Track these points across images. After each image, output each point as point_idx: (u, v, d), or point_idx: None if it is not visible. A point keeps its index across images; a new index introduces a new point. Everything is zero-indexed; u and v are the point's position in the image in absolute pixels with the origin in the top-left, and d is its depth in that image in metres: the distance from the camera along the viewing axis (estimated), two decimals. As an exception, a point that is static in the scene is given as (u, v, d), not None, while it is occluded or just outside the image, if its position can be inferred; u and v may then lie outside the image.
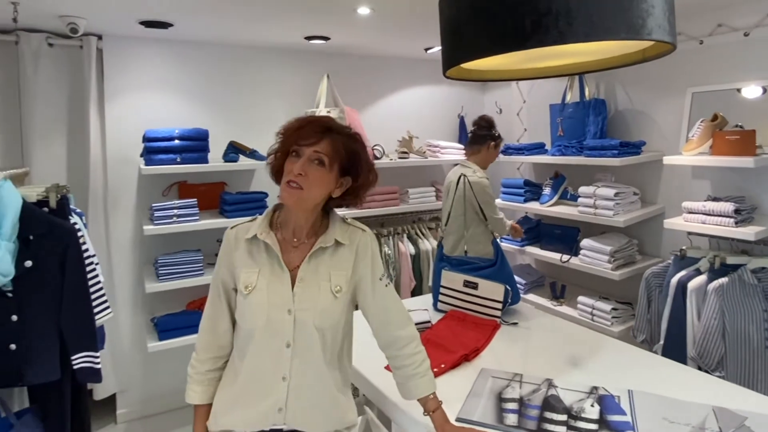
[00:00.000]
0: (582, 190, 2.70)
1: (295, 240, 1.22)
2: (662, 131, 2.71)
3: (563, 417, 1.25)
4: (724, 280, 2.01)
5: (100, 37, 2.65)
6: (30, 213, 1.65)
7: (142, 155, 2.67)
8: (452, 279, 2.00)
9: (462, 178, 2.62)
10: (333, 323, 1.20)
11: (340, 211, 1.32)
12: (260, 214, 1.27)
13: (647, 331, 2.34)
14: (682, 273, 2.17)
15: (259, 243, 1.20)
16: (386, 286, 1.27)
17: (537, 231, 3.12)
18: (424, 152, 3.45)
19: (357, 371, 1.52)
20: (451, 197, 2.72)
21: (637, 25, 1.08)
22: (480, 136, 2.79)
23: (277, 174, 1.22)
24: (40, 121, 2.56)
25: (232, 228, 1.25)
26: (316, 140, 1.15)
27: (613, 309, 2.57)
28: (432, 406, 1.21)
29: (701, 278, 2.10)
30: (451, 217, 2.68)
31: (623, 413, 1.27)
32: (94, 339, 1.75)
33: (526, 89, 3.55)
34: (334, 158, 1.16)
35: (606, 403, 1.31)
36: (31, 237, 1.65)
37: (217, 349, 1.25)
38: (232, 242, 1.23)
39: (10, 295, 1.62)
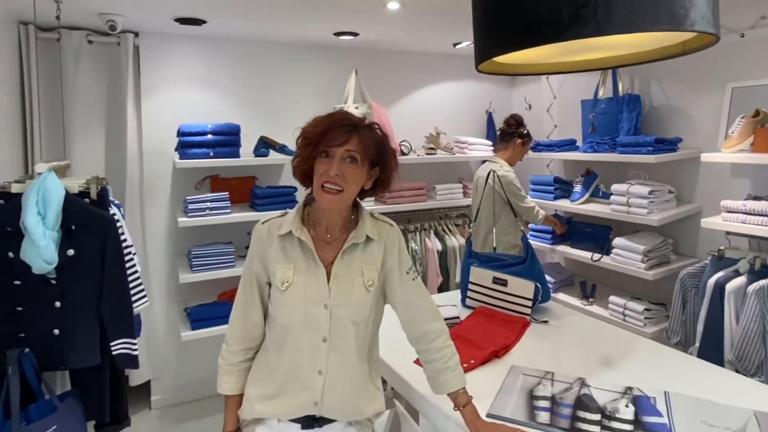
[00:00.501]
0: (615, 187, 2.64)
1: (328, 236, 1.23)
2: (700, 128, 2.62)
3: (597, 416, 1.23)
4: (765, 282, 1.93)
5: (136, 35, 2.73)
6: (72, 204, 1.71)
7: (176, 149, 2.74)
8: (481, 275, 1.98)
9: (491, 173, 2.64)
10: (366, 316, 1.22)
11: (368, 206, 1.33)
12: (290, 208, 1.28)
13: (682, 332, 2.28)
14: (720, 274, 2.10)
15: (293, 239, 1.21)
16: (413, 279, 1.28)
17: (567, 229, 3.07)
18: (452, 148, 3.43)
19: (386, 364, 1.53)
20: (480, 193, 2.72)
21: (679, 15, 1.05)
22: (508, 134, 2.87)
23: (304, 176, 1.22)
24: (81, 115, 2.65)
25: (263, 223, 1.25)
26: (346, 139, 1.15)
27: (645, 309, 2.51)
28: (462, 401, 1.21)
29: (740, 280, 2.03)
30: (480, 212, 2.68)
31: (659, 415, 1.24)
32: (131, 326, 1.81)
33: (556, 84, 3.49)
34: (365, 154, 1.18)
35: (641, 403, 1.29)
36: (73, 227, 1.71)
37: (247, 341, 1.26)
38: (264, 237, 1.23)
39: (53, 282, 1.68)
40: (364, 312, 1.21)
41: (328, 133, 1.15)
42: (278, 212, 1.27)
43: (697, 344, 2.12)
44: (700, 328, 2.12)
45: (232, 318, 1.27)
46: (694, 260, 2.56)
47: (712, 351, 2.04)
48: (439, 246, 3.25)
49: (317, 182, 1.16)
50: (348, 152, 1.15)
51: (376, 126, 1.23)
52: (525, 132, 2.87)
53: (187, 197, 2.64)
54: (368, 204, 3.07)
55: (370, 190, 1.25)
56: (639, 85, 2.92)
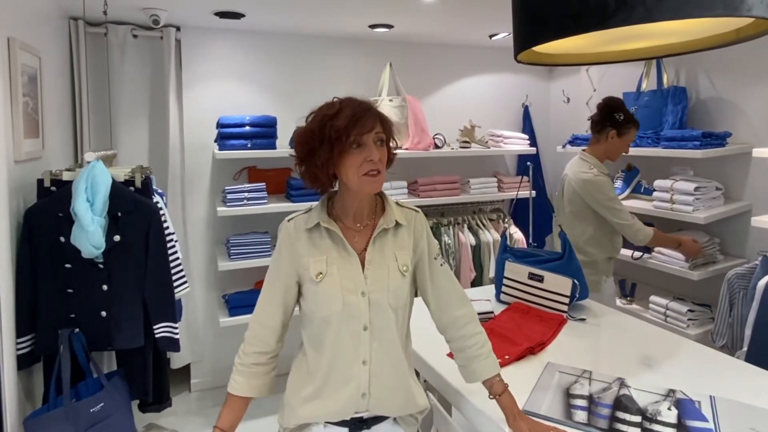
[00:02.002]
0: (658, 183, 2.54)
1: (357, 225, 1.22)
2: (751, 121, 2.49)
3: (637, 418, 1.19)
4: (822, 284, 1.83)
5: (178, 29, 2.80)
6: (118, 191, 1.78)
7: (216, 140, 2.81)
8: (516, 270, 1.95)
9: (565, 177, 2.36)
10: (404, 302, 1.21)
11: (402, 198, 1.31)
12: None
13: (728, 336, 2.18)
14: (772, 275, 2.00)
15: (321, 230, 1.19)
16: (441, 265, 1.27)
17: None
18: (486, 142, 3.38)
19: (419, 357, 1.53)
20: (559, 193, 2.45)
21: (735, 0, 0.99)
22: (597, 123, 2.31)
23: (325, 175, 1.17)
24: (126, 107, 2.75)
25: (288, 220, 1.23)
26: (373, 124, 1.14)
27: (689, 311, 2.41)
28: (499, 389, 1.19)
29: (794, 282, 1.92)
30: (558, 214, 2.45)
31: (704, 419, 1.19)
32: (173, 310, 1.87)
33: (596, 76, 3.38)
34: (387, 134, 1.18)
35: (685, 407, 1.24)
36: (119, 214, 1.78)
37: (262, 344, 1.22)
38: (292, 234, 1.21)
39: (101, 266, 1.76)
40: (401, 297, 1.20)
41: (359, 122, 1.11)
42: (303, 208, 1.26)
43: (745, 348, 2.03)
44: (748, 332, 2.02)
45: (252, 318, 1.25)
46: (743, 261, 2.44)
47: (761, 356, 1.95)
48: (472, 240, 3.22)
49: (357, 173, 1.12)
50: (378, 135, 1.14)
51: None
52: (620, 118, 2.25)
53: (226, 187, 2.70)
54: (402, 196, 3.06)
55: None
56: (685, 77, 2.79)
